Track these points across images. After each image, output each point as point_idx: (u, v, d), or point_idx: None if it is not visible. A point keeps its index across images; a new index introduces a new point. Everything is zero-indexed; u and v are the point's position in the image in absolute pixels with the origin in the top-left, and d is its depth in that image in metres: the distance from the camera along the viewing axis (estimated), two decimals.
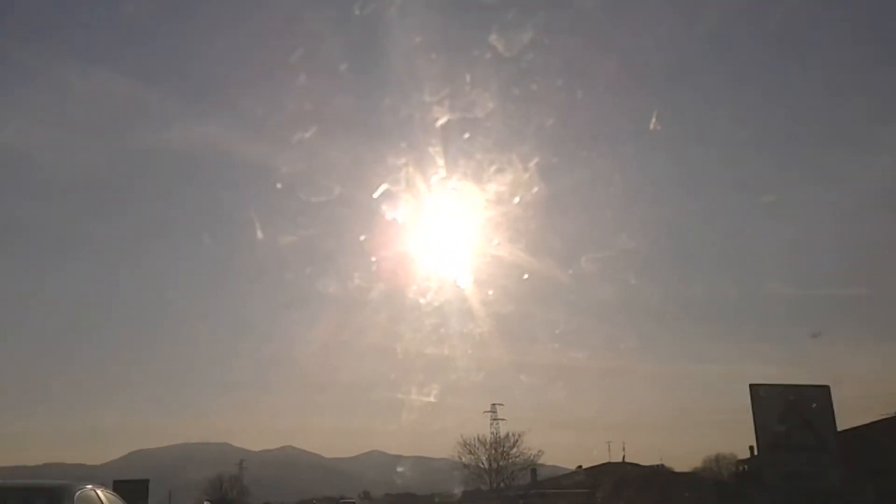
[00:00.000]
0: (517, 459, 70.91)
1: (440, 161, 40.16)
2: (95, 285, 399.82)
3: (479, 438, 72.29)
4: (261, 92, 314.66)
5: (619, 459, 75.11)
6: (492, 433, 74.65)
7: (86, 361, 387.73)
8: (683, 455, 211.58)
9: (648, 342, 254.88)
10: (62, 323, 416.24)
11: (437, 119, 34.51)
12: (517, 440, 70.47)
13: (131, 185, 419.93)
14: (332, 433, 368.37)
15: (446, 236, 46.46)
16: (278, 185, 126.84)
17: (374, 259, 53.65)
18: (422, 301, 46.09)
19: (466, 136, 35.36)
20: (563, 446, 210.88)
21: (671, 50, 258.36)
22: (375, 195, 42.99)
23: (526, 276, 65.09)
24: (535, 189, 44.19)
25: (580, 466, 79.88)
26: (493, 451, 73.36)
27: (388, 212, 41.20)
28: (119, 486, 34.60)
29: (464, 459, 73.90)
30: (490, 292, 50.12)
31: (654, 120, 70.53)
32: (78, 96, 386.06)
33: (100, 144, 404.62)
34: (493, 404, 77.82)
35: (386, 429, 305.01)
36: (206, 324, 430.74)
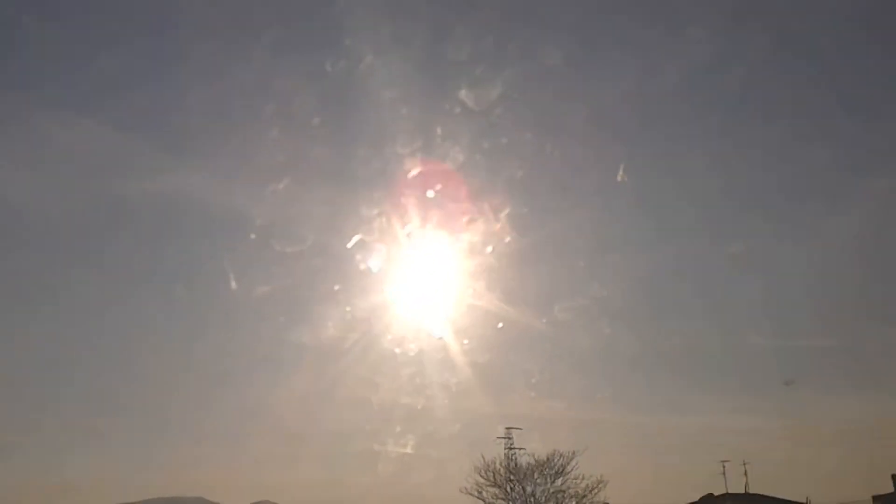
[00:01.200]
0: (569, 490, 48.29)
1: (413, 211, 40.29)
2: (68, 334, 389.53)
3: (501, 464, 52.52)
4: (237, 143, 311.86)
5: None
6: (509, 463, 56.44)
7: (55, 413, 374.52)
8: None
9: (623, 392, 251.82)
10: (30, 373, 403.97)
11: (409, 170, 34.35)
12: (568, 461, 47.75)
13: (107, 234, 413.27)
14: (307, 485, 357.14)
15: (421, 286, 46.21)
16: (252, 236, 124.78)
17: (348, 309, 52.81)
18: (397, 350, 45.18)
19: (438, 187, 35.18)
20: None
21: (639, 102, 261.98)
22: (349, 245, 42.32)
23: (500, 325, 63.49)
24: (508, 239, 43.72)
25: None
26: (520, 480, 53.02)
27: (362, 262, 40.91)
28: None
29: (485, 494, 57.22)
30: (466, 341, 48.98)
31: (621, 171, 69.89)
32: (56, 144, 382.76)
33: (76, 192, 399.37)
34: (508, 428, 65.66)
35: (363, 482, 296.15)
36: (180, 375, 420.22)
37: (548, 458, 49.42)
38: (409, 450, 69.14)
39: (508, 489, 49.63)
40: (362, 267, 42.40)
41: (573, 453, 48.60)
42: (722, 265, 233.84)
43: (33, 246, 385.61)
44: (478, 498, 49.35)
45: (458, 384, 53.57)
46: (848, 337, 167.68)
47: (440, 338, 46.29)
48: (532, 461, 49.97)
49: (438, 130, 31.65)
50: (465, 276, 46.50)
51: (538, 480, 49.08)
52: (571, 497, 48.03)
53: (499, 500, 49.42)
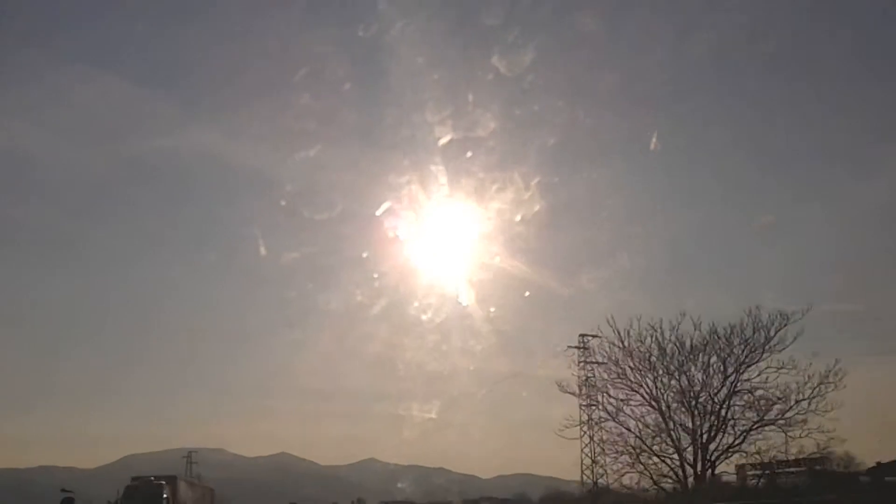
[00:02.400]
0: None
1: (442, 179, 40.08)
2: (93, 289, 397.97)
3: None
4: (265, 105, 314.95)
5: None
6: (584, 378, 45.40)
7: (81, 365, 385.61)
8: None
9: None
10: (58, 326, 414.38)
11: (439, 138, 34.16)
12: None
13: (132, 190, 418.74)
14: (328, 442, 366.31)
15: (448, 253, 45.98)
16: (282, 202, 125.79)
17: (376, 275, 52.78)
18: (423, 318, 45.22)
19: (469, 154, 34.89)
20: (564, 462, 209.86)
21: (671, 69, 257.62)
22: (378, 212, 42.27)
23: (527, 293, 63.19)
24: (537, 207, 43.52)
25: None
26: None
27: (391, 229, 41.04)
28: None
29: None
30: (492, 309, 48.87)
31: (654, 139, 69.02)
32: (78, 100, 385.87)
33: (100, 149, 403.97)
34: (583, 336, 50.38)
35: (383, 439, 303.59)
36: (204, 332, 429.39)
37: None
38: (433, 414, 70.20)
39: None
40: (391, 234, 42.48)
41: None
42: (748, 231, 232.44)
43: (59, 201, 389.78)
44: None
45: (482, 351, 53.59)
46: (874, 302, 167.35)
47: (466, 305, 46.51)
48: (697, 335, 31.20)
49: (470, 97, 31.44)
50: (493, 244, 46.33)
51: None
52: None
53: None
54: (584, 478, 59.94)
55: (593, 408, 48.17)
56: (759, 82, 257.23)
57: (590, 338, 45.81)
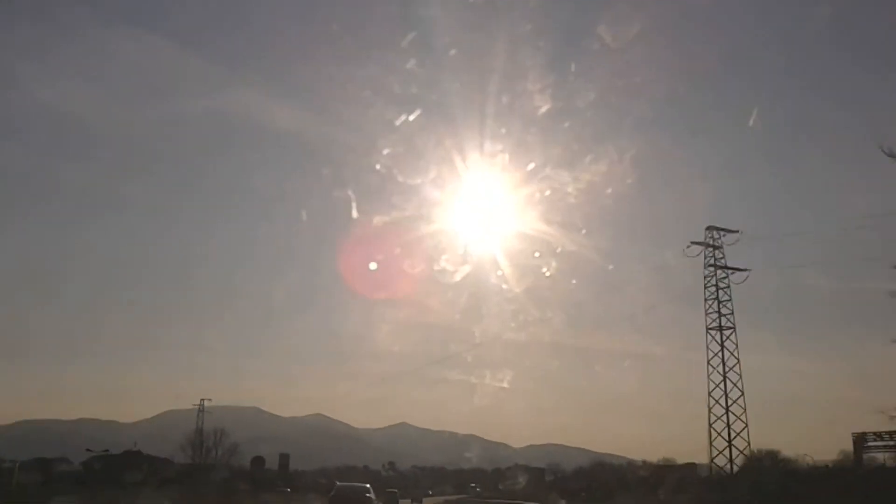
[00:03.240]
0: None
1: (535, 150, 39.05)
2: (135, 246, 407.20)
3: None
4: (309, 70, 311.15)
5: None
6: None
7: (122, 321, 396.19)
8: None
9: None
10: (101, 282, 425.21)
11: (538, 108, 32.83)
12: None
13: (171, 148, 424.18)
14: (362, 405, 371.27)
15: (530, 227, 44.66)
16: (377, 166, 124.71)
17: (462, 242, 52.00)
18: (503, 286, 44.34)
19: (566, 125, 33.66)
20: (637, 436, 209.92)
21: (781, 45, 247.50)
22: (463, 180, 40.96)
23: (611, 267, 62.85)
24: (629, 180, 42.09)
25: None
26: None
27: (482, 199, 40.07)
28: None
29: None
30: (574, 281, 48.03)
31: (754, 116, 65.92)
32: (122, 59, 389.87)
33: (144, 107, 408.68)
34: (711, 228, 51.29)
35: (415, 403, 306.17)
36: (245, 293, 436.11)
37: None
38: (467, 377, 69.45)
39: None
40: (481, 204, 41.28)
41: None
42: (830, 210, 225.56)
43: (100, 158, 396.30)
44: None
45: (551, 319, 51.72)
46: None
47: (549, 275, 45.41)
48: None
49: (573, 67, 29.82)
50: (581, 220, 44.94)
51: None
52: None
53: None
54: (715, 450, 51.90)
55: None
56: (870, 58, 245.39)
57: (723, 231, 45.45)
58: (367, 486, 31.27)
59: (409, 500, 63.53)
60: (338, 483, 35.61)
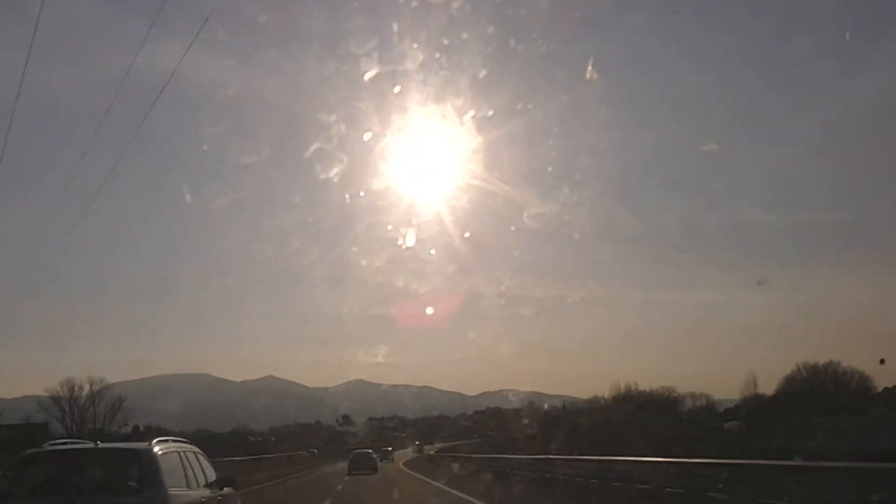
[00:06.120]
0: None
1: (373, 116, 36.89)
2: (65, 218, 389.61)
3: None
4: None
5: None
6: None
7: (59, 294, 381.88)
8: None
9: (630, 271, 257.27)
10: (28, 255, 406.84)
11: (364, 72, 30.43)
12: None
13: (98, 112, 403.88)
14: (314, 364, 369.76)
15: (402, 189, 43.54)
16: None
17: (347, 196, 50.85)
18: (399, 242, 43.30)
19: (397, 89, 31.36)
20: (560, 376, 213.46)
21: None
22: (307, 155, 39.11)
23: (530, 215, 62.39)
24: (474, 144, 40.18)
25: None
26: None
27: (322, 171, 38.12)
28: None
29: None
30: (467, 234, 47.03)
31: (589, 68, 64.84)
32: (41, 19, 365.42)
33: (65, 69, 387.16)
34: None
35: (368, 359, 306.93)
36: (183, 257, 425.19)
37: None
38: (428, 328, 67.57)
39: None
40: (321, 176, 39.42)
41: None
42: (734, 138, 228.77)
43: (21, 126, 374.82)
44: None
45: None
46: (860, 210, 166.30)
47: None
48: None
49: (395, 27, 27.83)
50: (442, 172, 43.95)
51: None
52: None
53: None
54: None
55: None
56: None
57: None
58: (370, 450, 49.13)
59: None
60: (354, 451, 49.86)
